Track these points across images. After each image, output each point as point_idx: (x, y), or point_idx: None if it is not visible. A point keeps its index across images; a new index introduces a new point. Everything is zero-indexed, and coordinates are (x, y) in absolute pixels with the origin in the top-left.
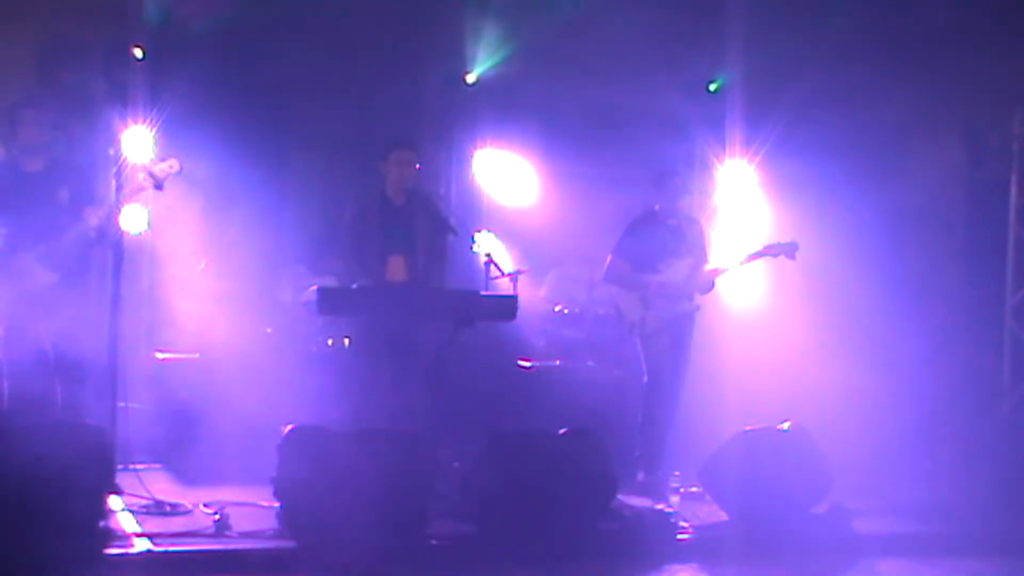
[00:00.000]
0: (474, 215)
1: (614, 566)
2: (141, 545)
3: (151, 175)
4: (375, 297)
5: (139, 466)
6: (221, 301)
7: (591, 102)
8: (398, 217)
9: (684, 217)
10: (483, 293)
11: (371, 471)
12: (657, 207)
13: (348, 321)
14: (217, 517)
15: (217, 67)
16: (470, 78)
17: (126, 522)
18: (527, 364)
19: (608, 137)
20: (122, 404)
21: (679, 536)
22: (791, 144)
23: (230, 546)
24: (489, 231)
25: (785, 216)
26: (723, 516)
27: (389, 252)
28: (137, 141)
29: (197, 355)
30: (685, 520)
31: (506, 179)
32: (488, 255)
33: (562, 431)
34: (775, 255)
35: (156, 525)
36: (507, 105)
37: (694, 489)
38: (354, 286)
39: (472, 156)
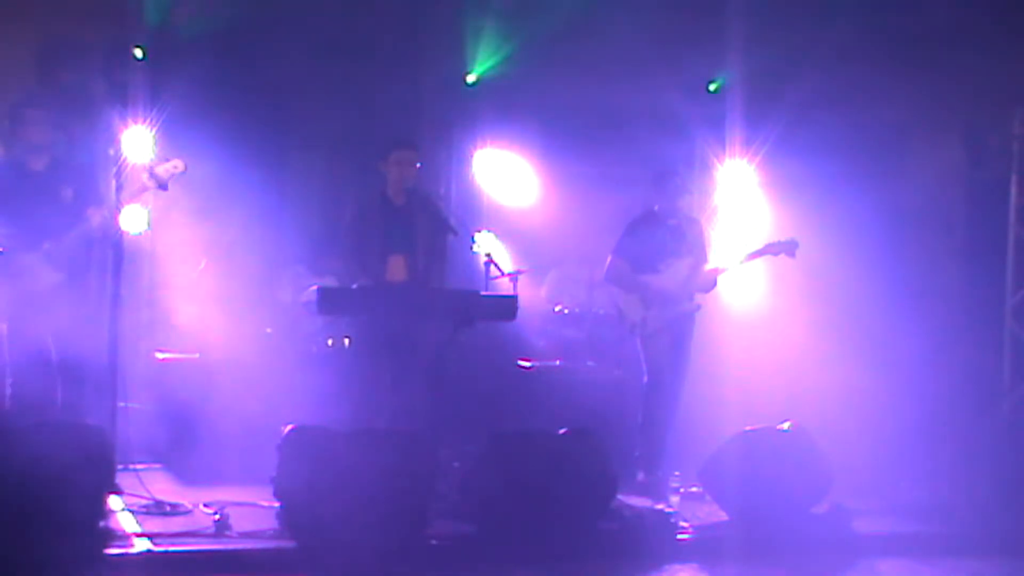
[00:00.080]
0: (474, 215)
1: (614, 566)
2: (141, 545)
3: (154, 175)
4: (375, 297)
5: (139, 466)
6: (221, 301)
7: (591, 102)
8: (398, 217)
9: (684, 217)
10: (483, 293)
11: (371, 471)
12: (657, 207)
13: (348, 321)
14: (217, 517)
15: (217, 67)
16: (470, 78)
17: (126, 522)
18: (527, 364)
19: (608, 137)
20: (122, 404)
21: (679, 536)
22: (791, 144)
23: (230, 546)
24: (489, 231)
25: (785, 216)
26: (723, 516)
27: (389, 252)
28: (137, 141)
29: (197, 355)
30: (685, 520)
31: (506, 179)
32: (488, 255)
33: (562, 431)
34: (775, 253)
35: (156, 525)
36: (507, 105)
37: (694, 489)
38: (354, 286)
39: (472, 156)
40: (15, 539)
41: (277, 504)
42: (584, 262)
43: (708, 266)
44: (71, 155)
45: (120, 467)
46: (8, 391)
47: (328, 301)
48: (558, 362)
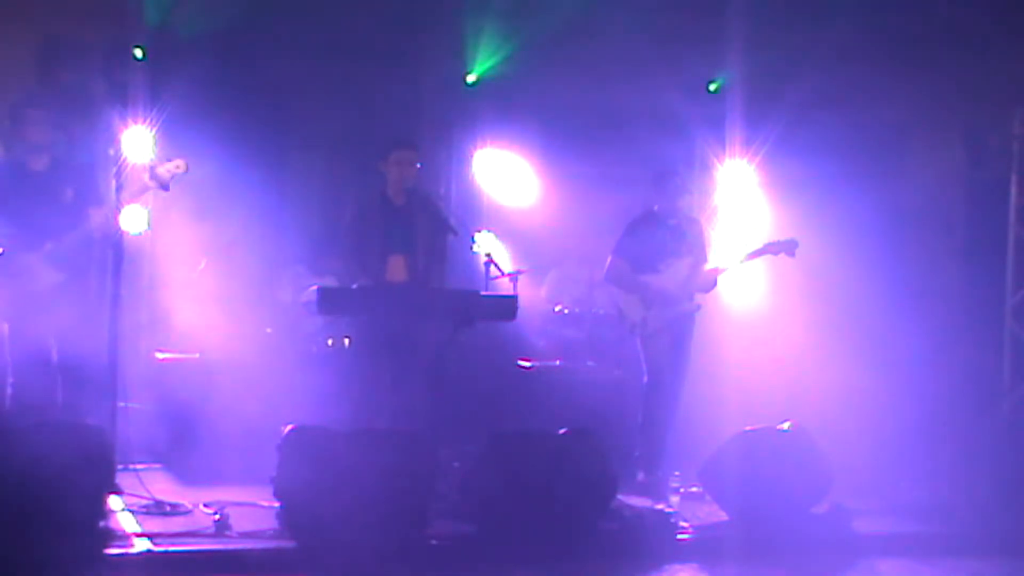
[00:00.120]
0: (474, 215)
1: (614, 566)
2: (141, 545)
3: (156, 175)
4: (375, 297)
5: (139, 466)
6: (221, 301)
7: (591, 102)
8: (398, 217)
9: (684, 217)
10: (483, 293)
11: (371, 471)
12: (657, 207)
13: (348, 321)
14: (217, 517)
15: (217, 67)
16: (470, 78)
17: (126, 522)
18: (527, 364)
19: (608, 137)
20: (122, 404)
21: (679, 536)
22: (791, 144)
23: (230, 546)
24: (489, 231)
25: (785, 216)
26: (723, 516)
27: (389, 252)
28: (137, 141)
29: (197, 355)
30: (685, 520)
31: (506, 179)
32: (488, 255)
33: (562, 431)
34: (775, 253)
35: (156, 525)
36: (507, 105)
37: (694, 489)
38: (354, 286)
39: (472, 156)
40: (15, 539)
41: (277, 504)
42: (584, 262)
43: (708, 266)
44: (71, 155)
45: (120, 467)
46: (9, 391)
47: (328, 301)
48: (558, 362)
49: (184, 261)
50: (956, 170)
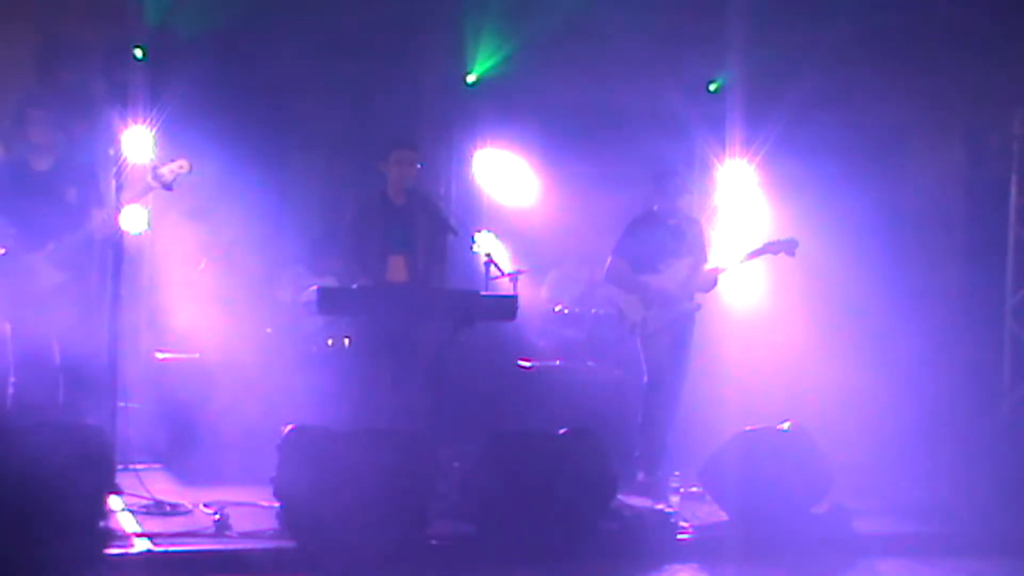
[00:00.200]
0: (474, 215)
1: (614, 566)
2: (141, 545)
3: (158, 176)
4: (375, 297)
5: (139, 466)
6: (221, 301)
7: (591, 102)
8: (398, 217)
9: (684, 217)
10: (483, 293)
11: (371, 471)
12: (657, 207)
13: (348, 321)
14: (217, 517)
15: (217, 67)
16: (470, 78)
17: (126, 522)
18: (527, 364)
19: (608, 137)
20: (122, 404)
21: (679, 536)
22: (791, 144)
23: (230, 546)
24: (489, 231)
25: (785, 216)
26: (723, 516)
27: (389, 252)
28: (137, 141)
29: (197, 355)
30: (685, 520)
31: (506, 179)
32: (488, 255)
33: (562, 431)
34: (775, 252)
35: (156, 525)
36: (507, 105)
37: (694, 489)
38: (354, 286)
39: (472, 156)
40: (15, 539)
41: (277, 504)
42: (584, 262)
43: (708, 266)
44: (72, 155)
45: (120, 467)
46: (11, 391)
47: (328, 301)
48: (558, 362)
49: (184, 261)
50: (956, 170)
